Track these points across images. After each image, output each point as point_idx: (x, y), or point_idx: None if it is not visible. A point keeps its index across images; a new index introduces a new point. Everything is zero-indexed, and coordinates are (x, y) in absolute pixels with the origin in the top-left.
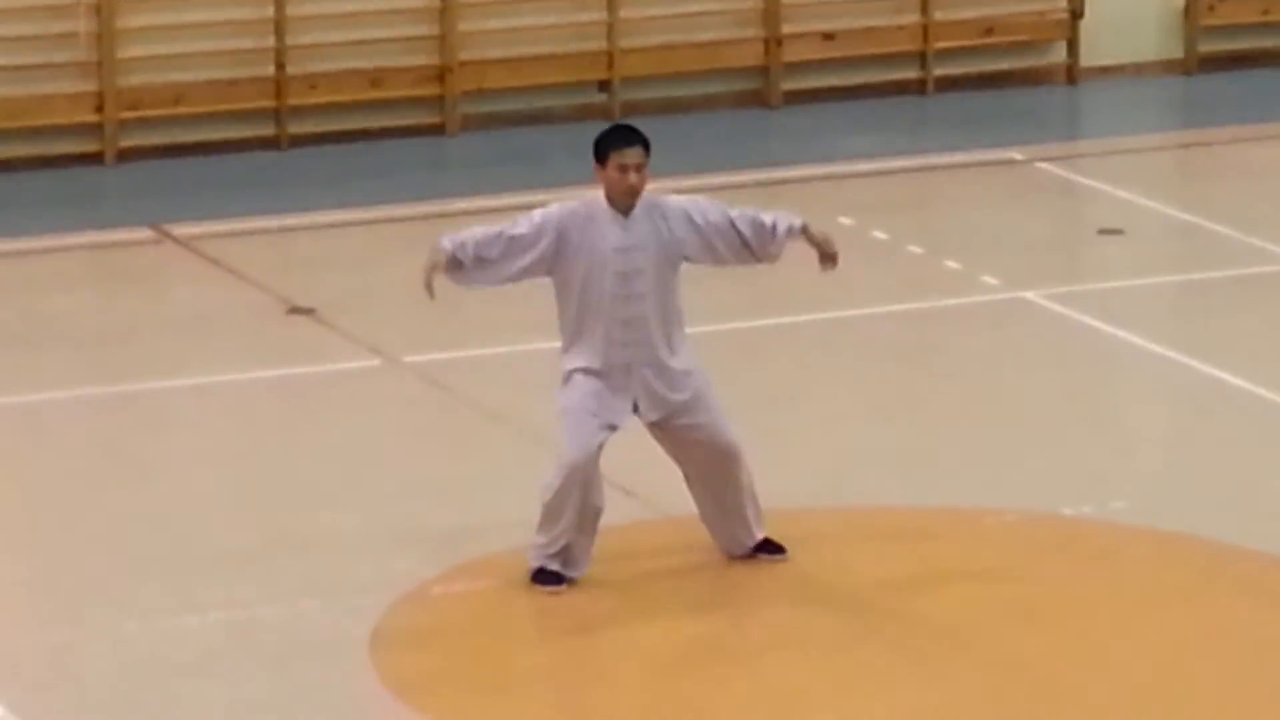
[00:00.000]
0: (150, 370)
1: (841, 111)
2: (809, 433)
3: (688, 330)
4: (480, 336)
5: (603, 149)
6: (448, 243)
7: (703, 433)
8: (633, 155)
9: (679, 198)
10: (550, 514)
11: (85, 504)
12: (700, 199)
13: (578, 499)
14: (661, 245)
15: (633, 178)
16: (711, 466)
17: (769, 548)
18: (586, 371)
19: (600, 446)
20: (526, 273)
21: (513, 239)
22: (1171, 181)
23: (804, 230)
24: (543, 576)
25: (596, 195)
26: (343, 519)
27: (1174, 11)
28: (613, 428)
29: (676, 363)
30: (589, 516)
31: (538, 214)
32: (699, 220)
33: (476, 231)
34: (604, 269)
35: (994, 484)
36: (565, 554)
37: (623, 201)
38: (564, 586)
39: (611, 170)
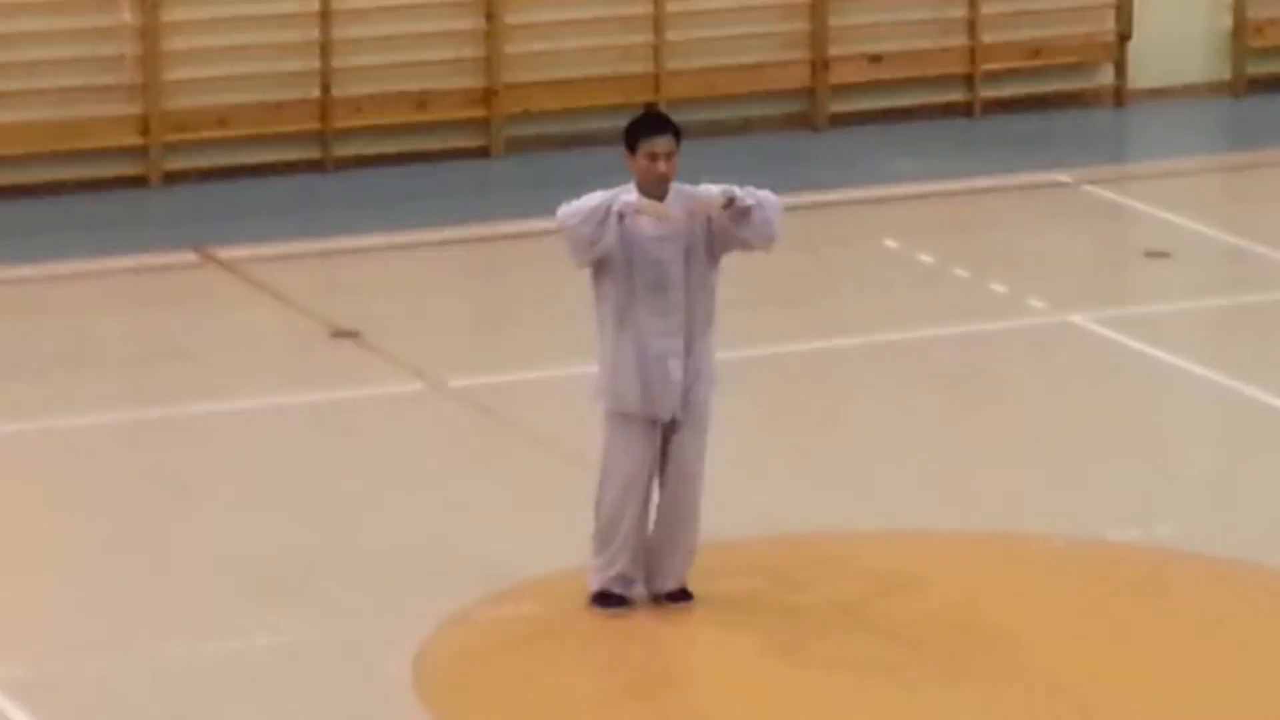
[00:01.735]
0: (194, 393)
1: (888, 134)
2: (854, 456)
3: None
4: (525, 360)
5: (633, 137)
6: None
7: (685, 448)
8: (662, 143)
9: (712, 187)
10: (607, 530)
11: (128, 527)
12: (734, 187)
13: (634, 512)
14: (692, 234)
15: (662, 166)
16: (677, 491)
17: (683, 595)
18: (626, 367)
19: (654, 457)
20: (605, 249)
21: (595, 209)
22: (1219, 204)
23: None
24: (604, 600)
25: (628, 186)
26: (386, 543)
27: (1222, 33)
28: (654, 422)
29: (704, 360)
30: (643, 533)
31: (594, 197)
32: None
33: (579, 212)
34: (642, 257)
35: (1040, 508)
36: (624, 574)
37: (653, 189)
38: (626, 609)
39: (641, 158)
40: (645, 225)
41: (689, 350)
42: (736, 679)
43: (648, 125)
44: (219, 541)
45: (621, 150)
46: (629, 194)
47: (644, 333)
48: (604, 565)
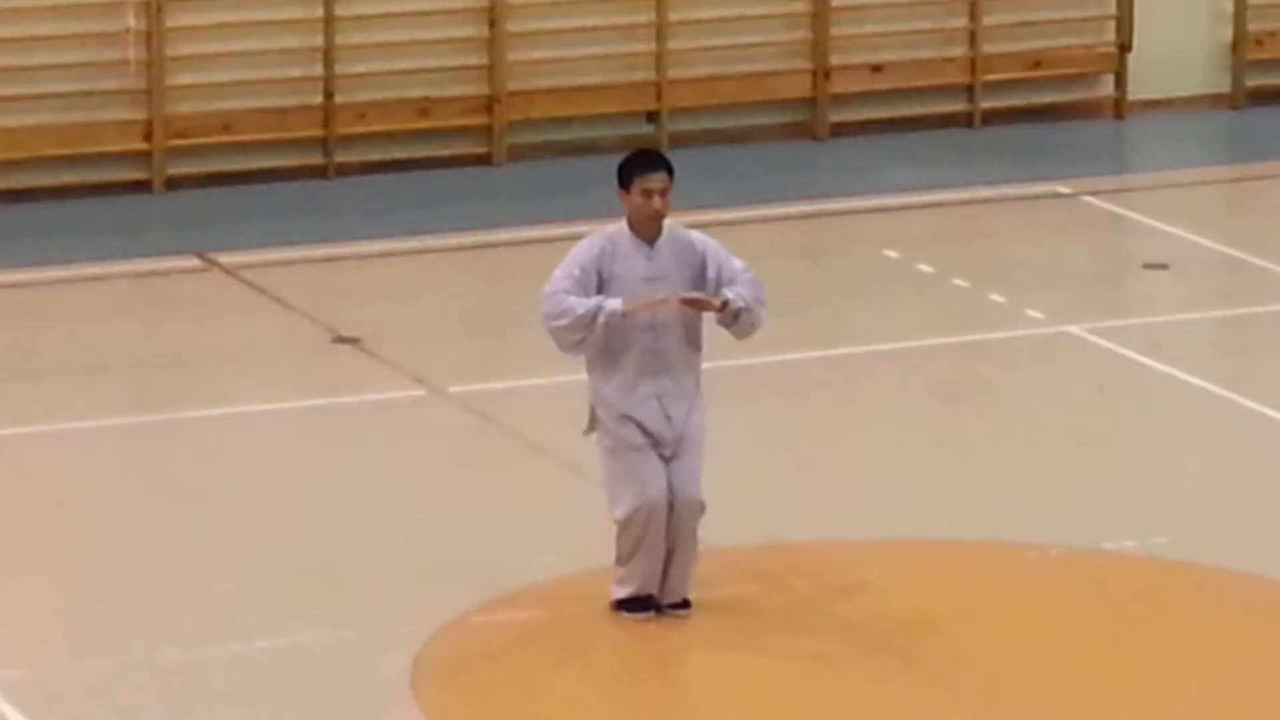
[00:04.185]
0: (195, 398)
1: (889, 144)
2: (852, 465)
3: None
4: (524, 367)
5: (626, 173)
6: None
7: (683, 477)
8: (657, 180)
9: (707, 240)
10: (628, 550)
11: (129, 532)
12: (723, 251)
13: (654, 535)
14: (685, 276)
15: (657, 202)
16: (677, 516)
17: (683, 604)
18: (619, 406)
19: (663, 475)
20: (595, 342)
21: (580, 317)
22: (1217, 216)
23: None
24: (630, 605)
25: (619, 226)
26: (385, 548)
27: (1221, 46)
28: (663, 456)
29: (695, 396)
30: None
31: (575, 268)
32: (711, 274)
33: (564, 316)
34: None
35: (1037, 518)
36: (644, 593)
37: (647, 227)
38: (653, 613)
39: (636, 195)
40: (637, 268)
41: (680, 388)
42: (733, 684)
43: (642, 162)
44: (218, 546)
45: (620, 157)
46: (613, 302)
47: (637, 373)
48: (625, 578)
